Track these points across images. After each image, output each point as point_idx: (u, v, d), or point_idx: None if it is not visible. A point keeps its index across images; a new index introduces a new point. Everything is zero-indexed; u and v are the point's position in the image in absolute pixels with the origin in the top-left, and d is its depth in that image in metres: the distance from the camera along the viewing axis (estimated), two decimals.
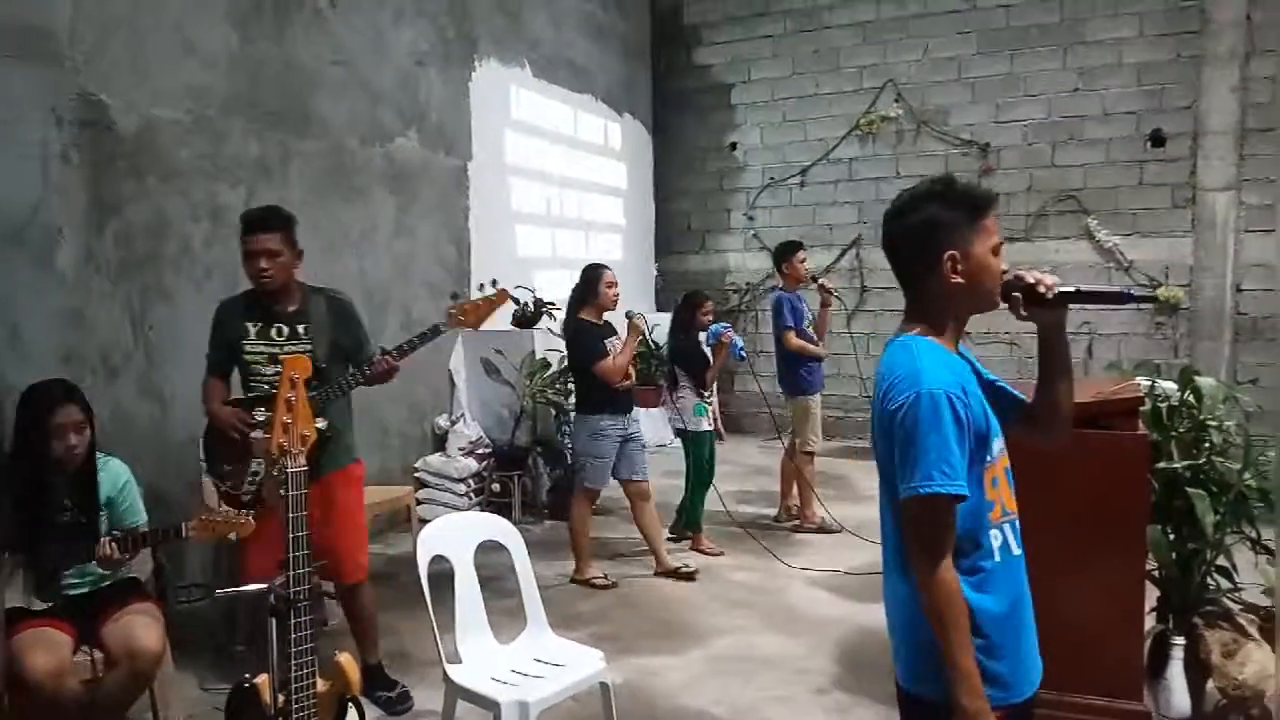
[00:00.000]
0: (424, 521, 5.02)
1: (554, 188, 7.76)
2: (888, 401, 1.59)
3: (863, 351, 6.98)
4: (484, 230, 6.82)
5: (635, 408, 4.80)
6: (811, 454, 5.54)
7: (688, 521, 5.26)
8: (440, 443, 6.20)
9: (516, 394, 6.27)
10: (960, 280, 1.62)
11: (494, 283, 6.37)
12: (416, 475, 5.97)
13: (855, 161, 8.46)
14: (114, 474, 2.89)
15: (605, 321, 4.68)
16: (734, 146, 8.97)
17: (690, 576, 4.71)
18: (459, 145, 6.55)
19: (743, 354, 5.23)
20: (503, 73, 7.04)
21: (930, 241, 1.63)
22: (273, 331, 3.19)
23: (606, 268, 4.70)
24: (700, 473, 5.22)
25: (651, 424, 8.07)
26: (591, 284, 4.62)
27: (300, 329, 3.20)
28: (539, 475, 6.29)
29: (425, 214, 6.23)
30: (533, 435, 6.30)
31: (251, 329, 3.19)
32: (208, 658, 3.63)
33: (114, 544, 2.73)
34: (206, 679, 3.48)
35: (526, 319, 6.52)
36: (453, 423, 6.24)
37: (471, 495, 5.99)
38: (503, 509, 5.86)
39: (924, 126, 8.17)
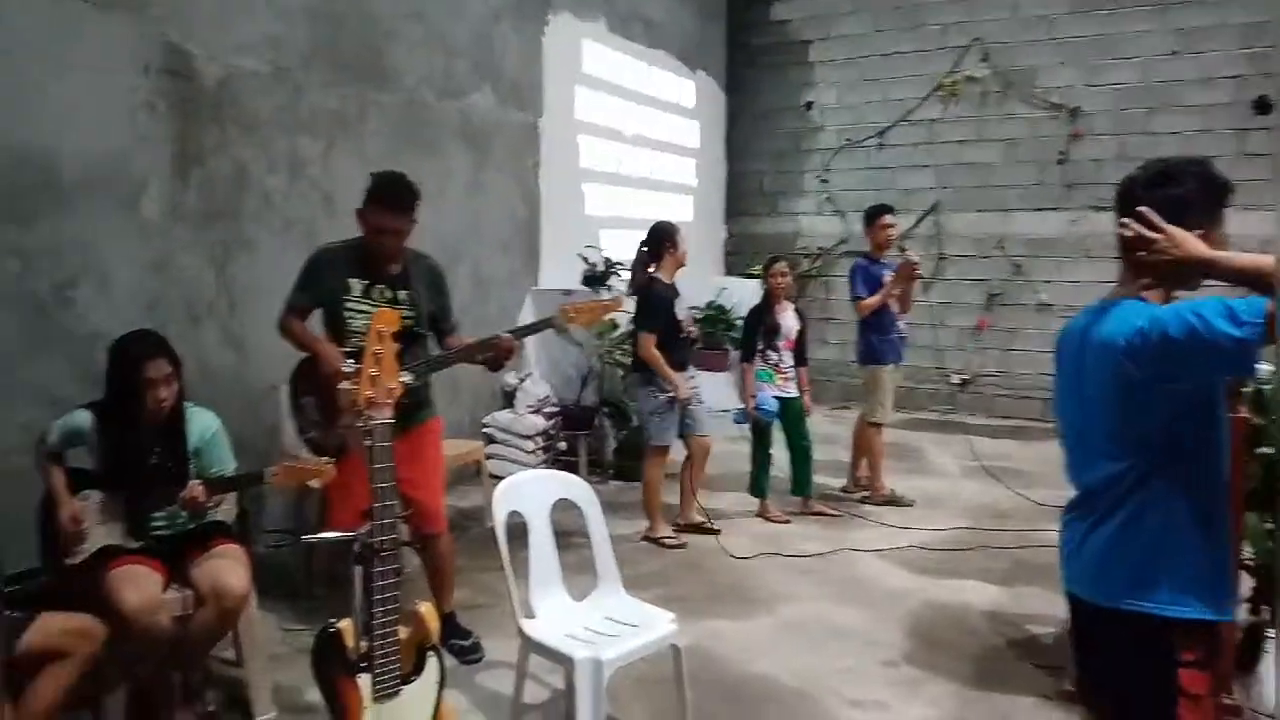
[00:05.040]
0: (493, 477, 5.09)
1: (624, 146, 7.68)
2: (1135, 336, 1.64)
3: (938, 321, 6.78)
4: (553, 188, 6.79)
5: (695, 367, 4.89)
6: (879, 425, 5.42)
7: (755, 488, 5.20)
8: (509, 399, 6.24)
9: (585, 354, 6.27)
10: None
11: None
12: (485, 431, 6.02)
13: (936, 124, 8.19)
14: (203, 424, 2.95)
15: (673, 283, 4.67)
16: (809, 106, 8.75)
17: (711, 531, 4.80)
18: (531, 101, 6.50)
19: (738, 420, 5.25)
20: (576, 27, 6.95)
21: (1180, 217, 1.68)
22: (374, 292, 3.20)
23: (676, 225, 4.73)
24: (763, 441, 5.16)
25: (716, 388, 8.02)
26: (667, 239, 4.65)
27: (401, 293, 3.22)
28: (605, 435, 6.30)
29: (497, 170, 6.22)
30: (600, 395, 6.30)
31: (355, 285, 3.18)
32: (286, 601, 3.73)
33: (200, 488, 2.80)
34: (285, 620, 3.57)
35: (596, 278, 6.49)
36: (521, 380, 6.26)
37: (539, 453, 6.02)
38: (568, 468, 5.89)
39: (1010, 88, 7.86)
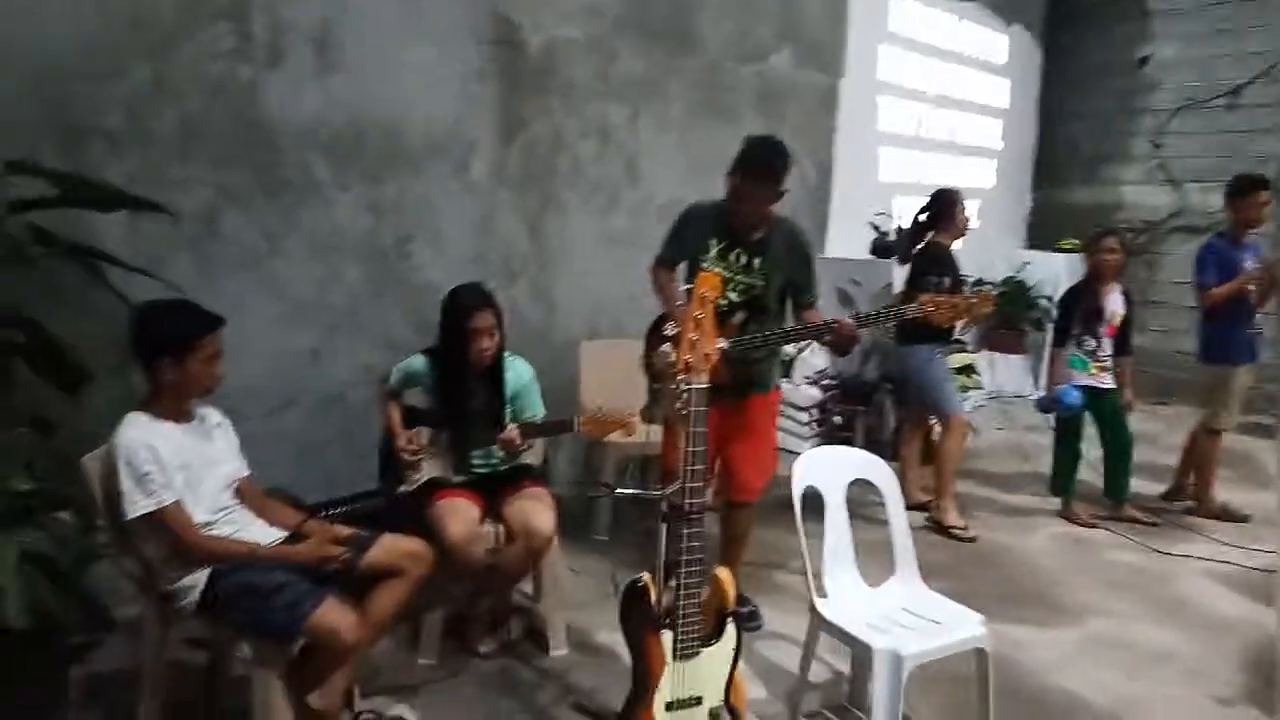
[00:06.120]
0: None
1: (925, 107, 7.23)
2: None
3: None
4: (846, 152, 6.54)
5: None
6: (1219, 432, 4.71)
7: (1059, 486, 4.76)
8: (786, 368, 6.16)
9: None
10: None
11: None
12: None
13: None
14: (519, 372, 3.16)
15: (951, 252, 4.49)
16: (1143, 62, 7.73)
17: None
18: (831, 62, 6.28)
19: (1043, 408, 4.80)
20: None
21: None
22: (732, 256, 3.09)
23: (960, 193, 4.60)
24: (1069, 435, 4.69)
25: (1010, 372, 7.45)
26: (950, 207, 4.50)
27: (756, 260, 3.09)
28: (885, 413, 6.05)
29: (791, 135, 5.98)
30: (881, 371, 6.05)
31: (714, 246, 3.10)
32: (575, 545, 3.91)
33: (516, 431, 3.00)
34: (572, 562, 3.76)
35: (885, 248, 6.21)
36: (800, 350, 6.15)
37: (813, 425, 5.91)
38: (844, 444, 5.71)
39: None
